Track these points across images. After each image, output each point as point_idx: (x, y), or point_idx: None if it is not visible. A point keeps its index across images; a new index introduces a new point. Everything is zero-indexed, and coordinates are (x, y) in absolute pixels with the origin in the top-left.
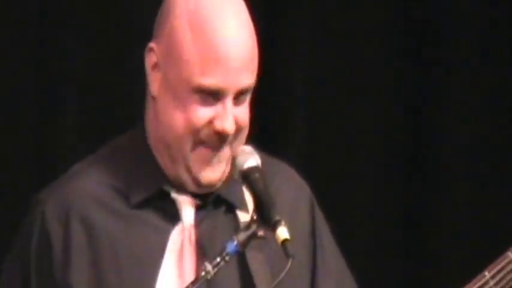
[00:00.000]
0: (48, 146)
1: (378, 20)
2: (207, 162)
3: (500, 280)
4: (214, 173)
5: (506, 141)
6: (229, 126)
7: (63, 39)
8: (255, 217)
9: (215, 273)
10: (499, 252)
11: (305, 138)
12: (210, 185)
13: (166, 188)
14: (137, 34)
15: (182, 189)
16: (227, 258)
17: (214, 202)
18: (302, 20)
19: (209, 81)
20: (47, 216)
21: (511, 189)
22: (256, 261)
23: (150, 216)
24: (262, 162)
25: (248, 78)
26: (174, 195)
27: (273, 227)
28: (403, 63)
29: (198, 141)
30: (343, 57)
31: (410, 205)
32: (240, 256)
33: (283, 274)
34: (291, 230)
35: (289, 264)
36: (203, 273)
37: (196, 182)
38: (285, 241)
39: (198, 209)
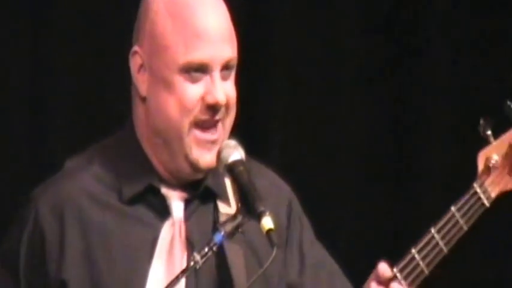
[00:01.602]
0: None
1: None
2: (204, 146)
3: (426, 256)
4: (211, 156)
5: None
6: (220, 97)
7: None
8: (240, 208)
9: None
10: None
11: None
12: (208, 168)
13: (156, 183)
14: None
15: (172, 184)
16: (215, 248)
17: (202, 195)
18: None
19: (195, 55)
20: (41, 213)
21: None
22: (234, 253)
23: (142, 212)
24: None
25: (230, 50)
26: (164, 190)
27: (258, 217)
28: (384, 71)
29: (193, 123)
30: (325, 66)
31: (393, 215)
32: (219, 247)
33: (268, 263)
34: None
35: (274, 253)
36: (192, 263)
37: (195, 167)
38: (269, 231)
39: (187, 203)
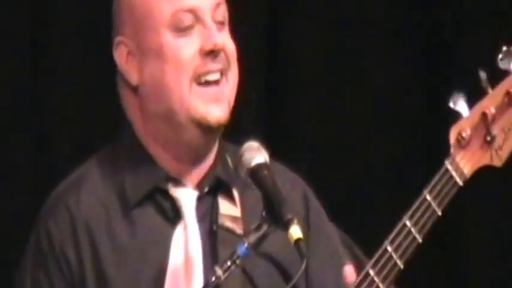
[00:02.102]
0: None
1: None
2: (210, 99)
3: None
4: (220, 109)
5: None
6: (218, 40)
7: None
8: (265, 217)
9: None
10: None
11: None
12: (219, 123)
13: (163, 185)
14: None
15: (180, 183)
16: (238, 261)
17: (213, 189)
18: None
19: (181, 3)
20: (53, 233)
21: None
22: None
23: (151, 216)
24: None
25: None
26: (172, 191)
27: (285, 226)
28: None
29: (194, 79)
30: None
31: None
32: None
33: (298, 275)
34: None
35: (304, 264)
36: (213, 278)
37: (205, 125)
38: (298, 240)
39: (199, 200)
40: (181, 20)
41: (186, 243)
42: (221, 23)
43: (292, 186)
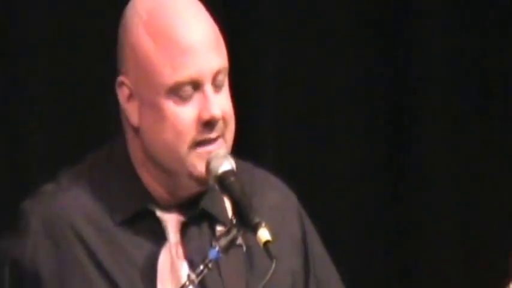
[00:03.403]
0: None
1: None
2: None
3: None
4: None
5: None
6: (215, 111)
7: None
8: (234, 221)
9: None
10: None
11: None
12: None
13: (151, 206)
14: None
15: (166, 207)
16: (210, 265)
17: (198, 217)
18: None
19: (182, 74)
20: (33, 234)
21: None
22: (228, 267)
23: (137, 235)
24: (245, 171)
25: (218, 60)
26: (159, 214)
27: (253, 229)
28: (378, 64)
29: (192, 145)
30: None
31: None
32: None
33: (268, 276)
34: (278, 237)
35: (273, 265)
36: (187, 283)
37: (201, 181)
38: (266, 243)
39: (184, 225)
40: (182, 90)
41: (172, 263)
42: (221, 81)
43: (287, 202)
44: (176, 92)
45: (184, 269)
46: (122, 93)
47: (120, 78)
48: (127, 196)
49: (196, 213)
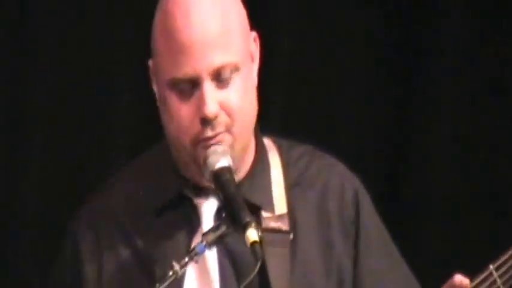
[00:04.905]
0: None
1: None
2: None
3: (504, 273)
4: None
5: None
6: (209, 109)
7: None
8: (225, 218)
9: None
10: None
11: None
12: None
13: (187, 192)
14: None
15: (203, 193)
16: (196, 257)
17: None
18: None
19: (179, 72)
20: (78, 237)
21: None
22: (273, 256)
23: (174, 222)
24: (305, 155)
25: (221, 57)
26: (194, 199)
27: (242, 228)
28: (389, 54)
29: (195, 141)
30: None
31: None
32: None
33: (251, 276)
34: (328, 216)
35: (258, 266)
36: (170, 273)
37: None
38: (254, 243)
39: (220, 211)
40: (180, 86)
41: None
42: (226, 77)
43: (342, 184)
44: (175, 86)
45: (212, 255)
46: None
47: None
48: (165, 184)
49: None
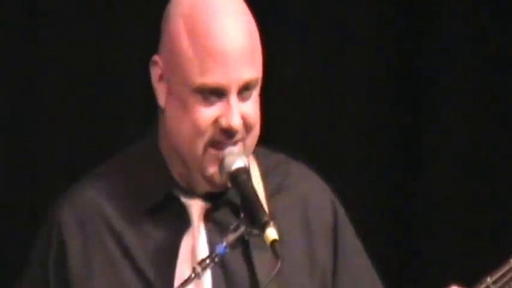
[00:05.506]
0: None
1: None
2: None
3: (502, 286)
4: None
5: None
6: (235, 123)
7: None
8: (243, 218)
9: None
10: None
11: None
12: (224, 185)
13: (176, 193)
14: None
15: (191, 193)
16: (216, 259)
17: (223, 204)
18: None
19: (210, 79)
20: (63, 228)
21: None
22: (261, 259)
23: (163, 221)
24: (282, 164)
25: (249, 72)
26: (183, 199)
27: (262, 228)
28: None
29: (208, 143)
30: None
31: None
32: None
33: (273, 273)
34: (309, 225)
35: (278, 264)
36: (193, 275)
37: (211, 182)
38: (274, 242)
39: (209, 211)
40: (207, 92)
41: (193, 248)
42: (249, 90)
43: (322, 194)
44: (201, 91)
45: (204, 254)
46: (155, 72)
47: (156, 57)
48: (154, 183)
49: (221, 202)
